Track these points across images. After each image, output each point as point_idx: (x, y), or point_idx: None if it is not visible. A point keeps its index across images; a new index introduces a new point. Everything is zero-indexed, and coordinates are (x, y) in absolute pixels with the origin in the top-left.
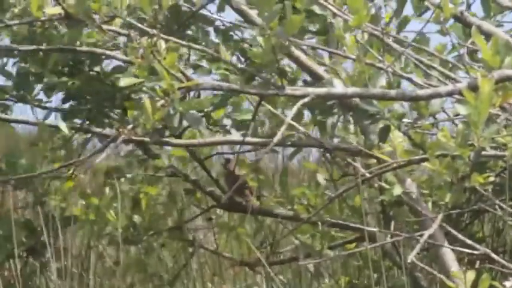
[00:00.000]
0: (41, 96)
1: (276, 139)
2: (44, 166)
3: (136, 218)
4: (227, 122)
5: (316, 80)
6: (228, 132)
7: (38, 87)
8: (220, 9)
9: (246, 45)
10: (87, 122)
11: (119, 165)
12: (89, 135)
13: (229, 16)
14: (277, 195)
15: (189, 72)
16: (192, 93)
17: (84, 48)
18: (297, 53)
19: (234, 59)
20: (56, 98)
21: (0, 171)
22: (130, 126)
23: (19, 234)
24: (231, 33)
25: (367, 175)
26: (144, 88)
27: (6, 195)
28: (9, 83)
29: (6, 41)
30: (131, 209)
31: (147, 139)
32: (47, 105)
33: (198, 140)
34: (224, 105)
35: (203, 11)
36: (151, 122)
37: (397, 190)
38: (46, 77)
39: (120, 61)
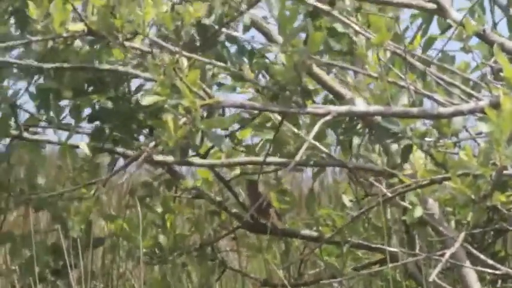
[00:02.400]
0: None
1: (297, 158)
2: (66, 187)
3: (162, 239)
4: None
5: (338, 99)
6: (253, 151)
7: (63, 107)
8: (246, 29)
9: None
10: (112, 143)
11: (146, 182)
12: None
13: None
14: (302, 216)
15: (213, 89)
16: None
17: (106, 66)
18: (318, 71)
19: (260, 78)
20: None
21: (22, 193)
22: (152, 144)
23: (44, 256)
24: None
25: (389, 195)
26: (166, 106)
27: (28, 218)
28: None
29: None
30: (158, 229)
31: (169, 159)
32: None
33: (220, 160)
34: (248, 125)
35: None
36: (174, 139)
37: (418, 212)
38: (65, 93)
39: (143, 79)
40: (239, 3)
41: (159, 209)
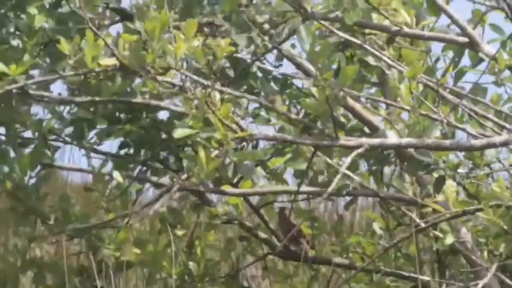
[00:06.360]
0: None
1: (330, 188)
2: (98, 215)
3: (192, 265)
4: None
5: (372, 130)
6: (284, 180)
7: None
8: (279, 60)
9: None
10: (143, 170)
11: (174, 210)
12: (145, 184)
13: (287, 67)
14: (332, 243)
15: (248, 121)
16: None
17: (139, 99)
18: (352, 102)
19: (292, 109)
20: (111, 144)
21: (55, 221)
22: (184, 176)
23: (72, 279)
24: (289, 81)
25: (422, 225)
26: (199, 139)
27: (60, 243)
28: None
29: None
30: (186, 255)
31: (201, 189)
32: (99, 148)
33: (252, 189)
34: (281, 156)
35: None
36: (206, 172)
37: (449, 239)
38: (99, 123)
39: (175, 112)
40: (271, 37)
41: (180, 232)
